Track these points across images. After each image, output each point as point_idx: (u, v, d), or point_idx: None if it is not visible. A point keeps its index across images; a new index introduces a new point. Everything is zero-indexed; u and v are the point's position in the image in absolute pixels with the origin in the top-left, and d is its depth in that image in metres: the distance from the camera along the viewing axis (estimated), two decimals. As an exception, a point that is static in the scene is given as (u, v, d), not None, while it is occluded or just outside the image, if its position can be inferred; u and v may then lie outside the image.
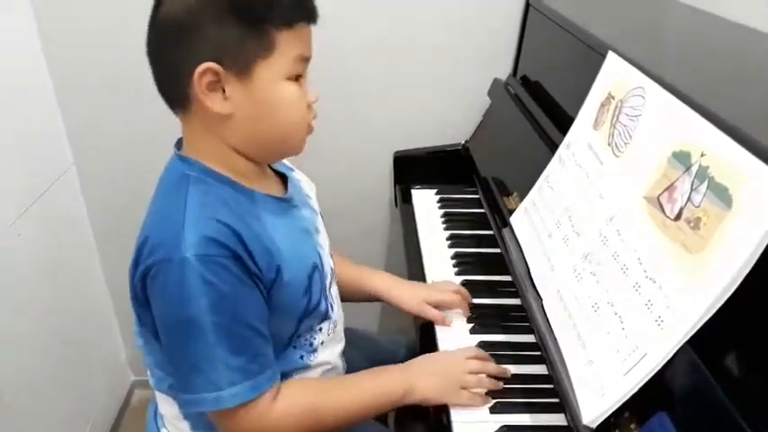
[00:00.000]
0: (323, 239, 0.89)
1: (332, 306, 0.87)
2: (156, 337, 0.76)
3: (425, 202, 1.35)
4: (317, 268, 0.81)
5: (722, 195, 0.56)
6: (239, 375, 0.71)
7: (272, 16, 0.69)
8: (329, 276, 0.87)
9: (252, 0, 0.69)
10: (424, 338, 0.97)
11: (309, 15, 0.74)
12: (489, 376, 0.85)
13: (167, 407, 0.85)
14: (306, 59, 0.75)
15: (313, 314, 0.82)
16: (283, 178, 0.87)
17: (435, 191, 1.38)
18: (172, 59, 0.71)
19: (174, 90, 0.73)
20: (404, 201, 1.37)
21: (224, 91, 0.70)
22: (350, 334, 0.96)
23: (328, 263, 0.88)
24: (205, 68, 0.68)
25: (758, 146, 0.54)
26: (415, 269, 1.13)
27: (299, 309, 0.80)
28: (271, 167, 0.86)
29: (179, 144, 0.79)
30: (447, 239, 1.20)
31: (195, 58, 0.68)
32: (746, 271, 0.51)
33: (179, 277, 0.68)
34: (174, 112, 0.76)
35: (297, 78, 0.74)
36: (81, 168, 1.45)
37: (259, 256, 0.72)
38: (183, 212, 0.70)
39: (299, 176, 0.92)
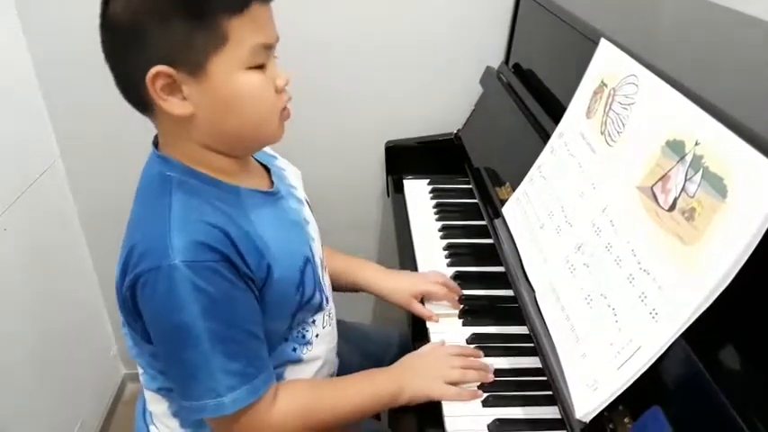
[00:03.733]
0: (312, 230, 0.87)
1: (327, 298, 0.86)
2: (147, 340, 0.74)
3: (417, 192, 1.33)
4: (308, 261, 0.80)
5: (717, 185, 0.54)
6: (237, 380, 0.70)
7: (217, 4, 0.64)
8: (320, 267, 0.86)
9: None
10: (415, 331, 0.96)
11: None
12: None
13: (156, 405, 0.84)
14: (268, 47, 0.70)
15: (306, 307, 0.81)
16: (267, 169, 0.84)
17: (427, 181, 1.36)
18: (124, 65, 0.68)
19: (134, 95, 0.70)
20: (396, 191, 1.36)
21: (182, 91, 0.67)
22: (342, 327, 0.95)
23: (319, 254, 0.86)
24: (155, 72, 0.65)
25: (753, 135, 0.53)
26: (406, 260, 1.12)
27: (293, 304, 0.78)
28: (254, 158, 0.83)
29: (156, 141, 0.76)
30: (439, 230, 1.19)
31: (146, 63, 0.65)
32: (742, 263, 0.50)
33: (168, 285, 0.66)
34: (142, 114, 0.72)
35: (260, 66, 0.69)
36: (67, 160, 1.43)
37: (249, 256, 0.70)
38: (168, 217, 0.68)
39: (282, 165, 0.89)
